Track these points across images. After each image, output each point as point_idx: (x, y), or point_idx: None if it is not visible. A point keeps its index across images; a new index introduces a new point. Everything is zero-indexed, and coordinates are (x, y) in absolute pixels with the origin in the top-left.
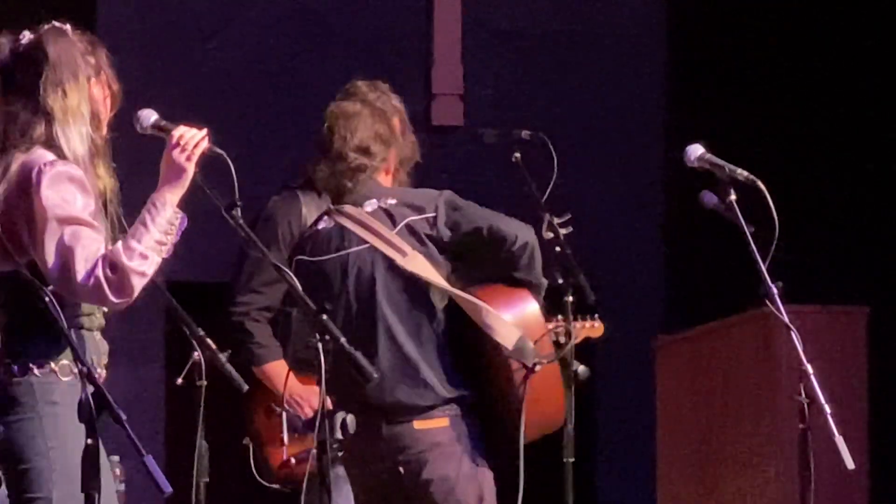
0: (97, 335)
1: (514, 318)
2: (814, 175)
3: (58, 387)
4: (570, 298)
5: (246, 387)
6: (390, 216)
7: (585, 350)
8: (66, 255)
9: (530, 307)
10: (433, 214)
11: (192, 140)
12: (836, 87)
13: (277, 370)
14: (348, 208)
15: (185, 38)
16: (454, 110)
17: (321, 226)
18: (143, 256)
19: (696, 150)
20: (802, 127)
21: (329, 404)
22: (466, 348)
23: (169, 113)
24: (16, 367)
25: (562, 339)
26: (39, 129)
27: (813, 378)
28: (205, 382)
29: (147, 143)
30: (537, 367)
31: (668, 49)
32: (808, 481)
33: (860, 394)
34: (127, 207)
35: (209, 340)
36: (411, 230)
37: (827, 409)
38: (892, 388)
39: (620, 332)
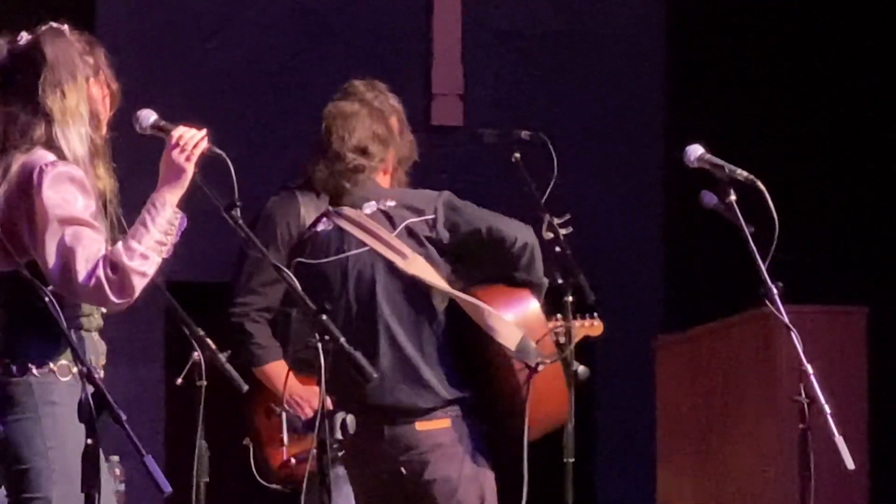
0: (95, 336)
1: (515, 318)
2: (813, 175)
3: (56, 387)
4: (570, 298)
5: (246, 387)
6: (390, 218)
7: (585, 350)
8: (67, 255)
9: (531, 307)
10: (432, 216)
11: (191, 140)
12: (835, 87)
13: (277, 371)
14: (347, 210)
15: (185, 37)
16: (454, 110)
17: (320, 228)
18: (144, 257)
19: (695, 151)
20: (802, 127)
21: (329, 404)
22: (467, 348)
23: (168, 113)
24: (15, 367)
25: (562, 340)
26: (39, 130)
27: (813, 378)
28: (205, 382)
29: (146, 144)
30: (540, 367)
31: (668, 49)
32: (808, 481)
33: (860, 394)
34: (127, 207)
35: (209, 340)
36: (411, 232)
37: (827, 409)
38: (892, 388)
39: (620, 332)
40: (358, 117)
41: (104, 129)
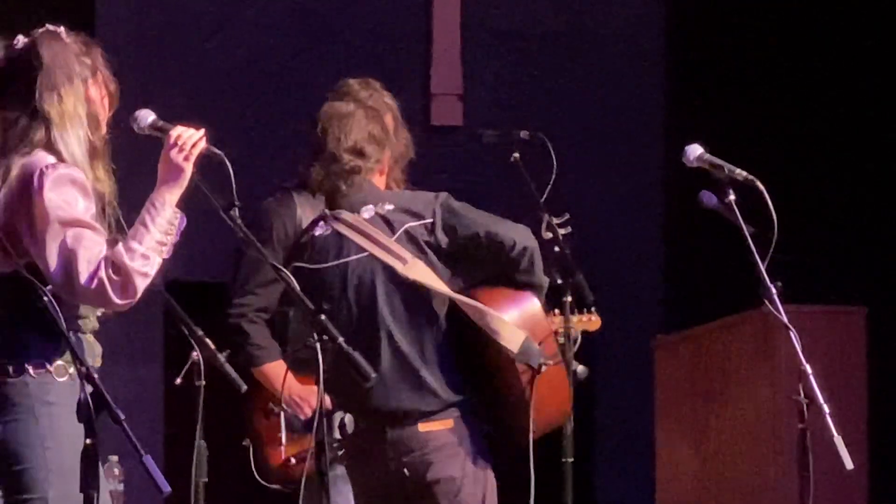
0: (91, 338)
1: (517, 319)
2: (813, 175)
3: (53, 387)
4: (569, 298)
5: (245, 387)
6: (388, 223)
7: (585, 350)
8: (68, 257)
9: (533, 307)
10: (431, 220)
11: (189, 140)
12: (835, 87)
13: (276, 371)
14: (345, 215)
15: (185, 37)
16: (453, 110)
17: (318, 232)
18: (145, 257)
19: (695, 150)
20: (801, 127)
21: (328, 403)
22: (468, 349)
23: (168, 113)
24: (11, 368)
25: (561, 339)
26: (39, 134)
27: (812, 378)
28: (203, 382)
29: (145, 144)
30: (543, 368)
31: (668, 49)
32: (808, 481)
33: (859, 394)
34: (126, 208)
35: (208, 340)
36: (410, 237)
37: (826, 408)
38: (891, 388)
39: (620, 331)
40: (353, 118)
41: (103, 130)
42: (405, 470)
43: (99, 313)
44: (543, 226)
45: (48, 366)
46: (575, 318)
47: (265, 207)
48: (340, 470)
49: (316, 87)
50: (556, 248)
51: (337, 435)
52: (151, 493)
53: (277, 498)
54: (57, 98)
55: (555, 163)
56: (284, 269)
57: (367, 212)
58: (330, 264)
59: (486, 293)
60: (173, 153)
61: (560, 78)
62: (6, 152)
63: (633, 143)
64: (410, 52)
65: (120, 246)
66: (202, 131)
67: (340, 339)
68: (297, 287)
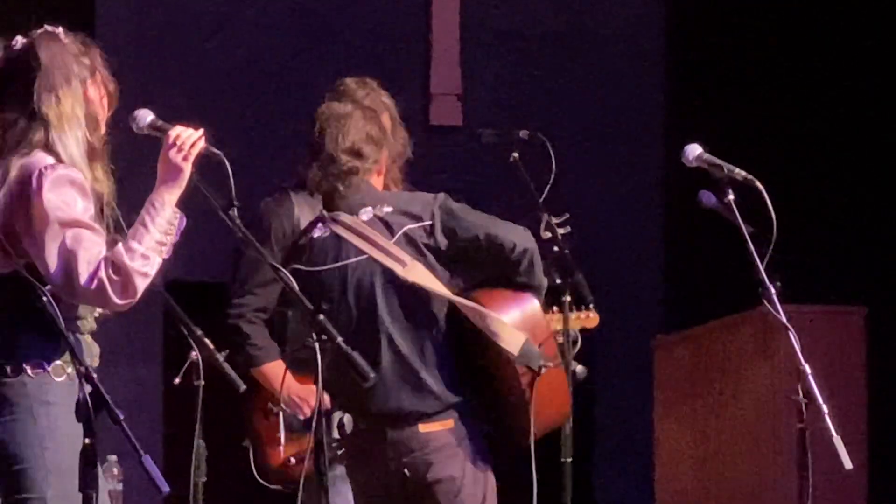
0: (88, 338)
1: (516, 320)
2: (812, 175)
3: (51, 387)
4: (568, 298)
5: (244, 386)
6: (387, 225)
7: (584, 349)
8: (68, 258)
9: (533, 309)
10: (430, 222)
11: (188, 140)
12: (835, 87)
13: (275, 371)
14: (344, 217)
15: (184, 37)
16: (453, 110)
17: (316, 234)
18: (145, 257)
19: (694, 150)
20: (801, 127)
21: (326, 400)
22: (468, 349)
23: (167, 113)
24: (9, 368)
25: (560, 339)
26: (38, 135)
27: (811, 378)
28: (202, 382)
29: (144, 144)
30: (543, 370)
31: (667, 49)
32: (807, 481)
33: (859, 393)
34: (126, 208)
35: (207, 340)
36: (409, 239)
37: (825, 408)
38: (891, 388)
39: (620, 331)
40: (351, 119)
41: (102, 130)
42: (405, 470)
43: (97, 314)
44: (543, 226)
45: (46, 366)
46: (573, 316)
47: (263, 207)
48: (340, 470)
49: (316, 87)
50: (556, 248)
51: (336, 435)
52: (151, 493)
53: (277, 498)
54: (55, 100)
55: (554, 163)
56: (283, 269)
57: (366, 214)
58: (329, 267)
59: (486, 295)
60: (172, 153)
61: (560, 78)
62: (5, 153)
63: (632, 143)
64: (410, 52)
65: (120, 246)
66: (201, 131)
67: (339, 339)
68: (296, 287)
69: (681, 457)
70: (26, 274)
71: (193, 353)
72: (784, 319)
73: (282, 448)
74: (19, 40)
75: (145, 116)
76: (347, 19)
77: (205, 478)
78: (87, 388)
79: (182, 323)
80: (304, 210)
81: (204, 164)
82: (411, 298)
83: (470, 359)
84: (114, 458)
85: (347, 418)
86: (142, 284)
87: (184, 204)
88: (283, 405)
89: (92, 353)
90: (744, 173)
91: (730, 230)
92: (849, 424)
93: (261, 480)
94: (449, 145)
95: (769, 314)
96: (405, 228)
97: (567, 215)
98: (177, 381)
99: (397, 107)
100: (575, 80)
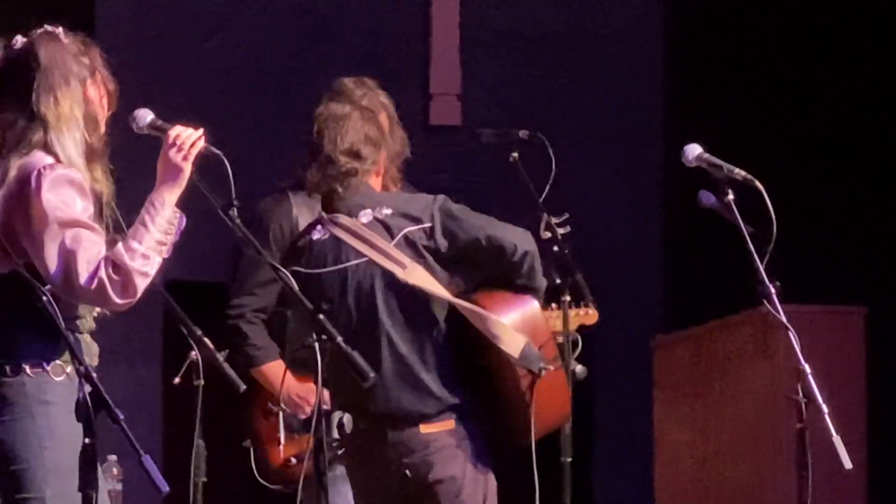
0: (88, 338)
1: (517, 322)
2: (812, 175)
3: (50, 386)
4: (568, 298)
5: (243, 386)
6: (387, 228)
7: (584, 349)
8: (68, 258)
9: (533, 311)
10: (429, 224)
11: (188, 139)
12: (835, 86)
13: (275, 371)
14: (343, 219)
15: (184, 37)
16: (452, 110)
17: (315, 236)
18: (145, 257)
19: (694, 150)
20: (800, 127)
21: (326, 397)
22: (468, 350)
23: (167, 113)
24: (8, 368)
25: (559, 339)
26: (37, 135)
27: (811, 377)
28: (202, 382)
29: (144, 143)
30: (543, 373)
31: (667, 49)
32: (806, 481)
33: (858, 393)
34: (125, 208)
35: (207, 340)
36: (409, 242)
37: (824, 408)
38: (890, 388)
39: (619, 331)
40: (349, 120)
41: (102, 130)
42: (406, 471)
43: (96, 313)
44: (542, 225)
45: (45, 365)
46: (572, 313)
47: (261, 208)
48: (340, 470)
49: (316, 87)
50: (555, 248)
51: (336, 434)
52: (150, 493)
53: (276, 498)
54: (53, 100)
55: (554, 163)
56: (283, 269)
57: (366, 216)
58: (328, 269)
59: (486, 297)
60: (172, 153)
61: (559, 78)
62: (5, 153)
63: (632, 143)
64: (410, 52)
65: (120, 246)
66: (201, 131)
67: (339, 339)
68: (296, 286)
69: (681, 457)
70: (26, 274)
71: (193, 353)
72: (784, 319)
73: (281, 448)
74: (19, 40)
75: (145, 116)
76: (347, 19)
77: (204, 478)
78: (87, 388)
79: (182, 323)
80: (302, 211)
81: (204, 163)
82: (411, 301)
83: (470, 359)
84: (113, 457)
85: (347, 418)
86: (142, 284)
87: (184, 204)
88: (282, 405)
89: (91, 352)
90: (743, 173)
91: (729, 230)
92: (848, 424)
93: (261, 481)
94: (448, 145)
95: (769, 314)
96: (405, 231)
97: (567, 215)
98: (176, 380)
99: (397, 107)
100: (575, 80)
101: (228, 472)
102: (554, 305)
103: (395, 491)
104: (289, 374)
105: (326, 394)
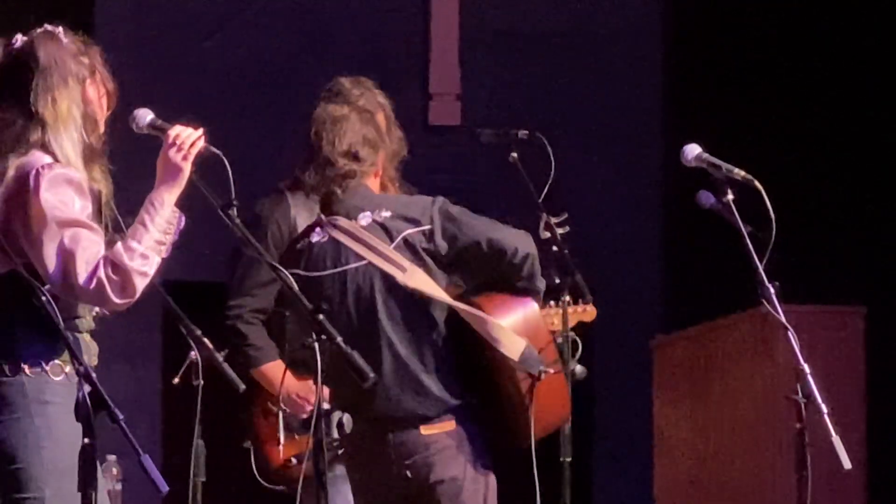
0: (87, 337)
1: (517, 324)
2: (811, 175)
3: (49, 386)
4: (567, 298)
5: (243, 386)
6: (386, 230)
7: (583, 349)
8: (66, 258)
9: (533, 312)
10: (429, 227)
11: (188, 139)
12: (834, 86)
13: (274, 371)
14: (343, 222)
15: (183, 37)
16: (451, 110)
17: (315, 239)
18: (144, 256)
19: (693, 150)
20: (800, 127)
21: (325, 394)
22: (468, 352)
23: (166, 112)
24: (7, 367)
25: (559, 339)
26: (35, 135)
27: (810, 377)
28: (202, 382)
29: (144, 143)
30: (543, 376)
31: (665, 48)
32: (806, 481)
33: (858, 393)
34: (124, 207)
35: (206, 340)
36: (408, 244)
37: (824, 408)
38: (890, 388)
39: (619, 331)
40: (347, 121)
41: (101, 130)
42: (407, 472)
43: (95, 313)
44: (542, 225)
45: (44, 365)
46: (570, 310)
47: (259, 209)
48: (340, 470)
49: (315, 87)
50: (555, 248)
51: (335, 434)
52: (150, 493)
53: (276, 498)
54: (51, 100)
55: (553, 162)
56: (282, 269)
57: (365, 219)
58: (328, 272)
59: (486, 299)
60: (172, 152)
61: (559, 78)
62: (4, 152)
63: (631, 143)
64: (409, 51)
65: (119, 245)
66: (201, 130)
67: (339, 339)
68: (296, 286)
69: (680, 457)
70: (25, 273)
71: (193, 353)
72: (783, 319)
73: (281, 448)
74: (19, 39)
75: (145, 116)
76: (347, 19)
77: (204, 477)
78: (87, 388)
79: (181, 322)
80: (300, 211)
81: (203, 163)
82: (411, 303)
83: (470, 360)
84: (113, 457)
85: (347, 418)
86: (141, 284)
87: (184, 204)
88: (282, 405)
89: (91, 352)
90: (742, 173)
91: (729, 230)
92: (848, 424)
93: (262, 481)
94: (448, 145)
95: (768, 314)
96: (404, 233)
97: (566, 215)
98: (176, 380)
99: (396, 107)
100: (574, 80)
101: (228, 472)
102: (552, 303)
103: (396, 491)
104: (289, 373)
105: (327, 392)
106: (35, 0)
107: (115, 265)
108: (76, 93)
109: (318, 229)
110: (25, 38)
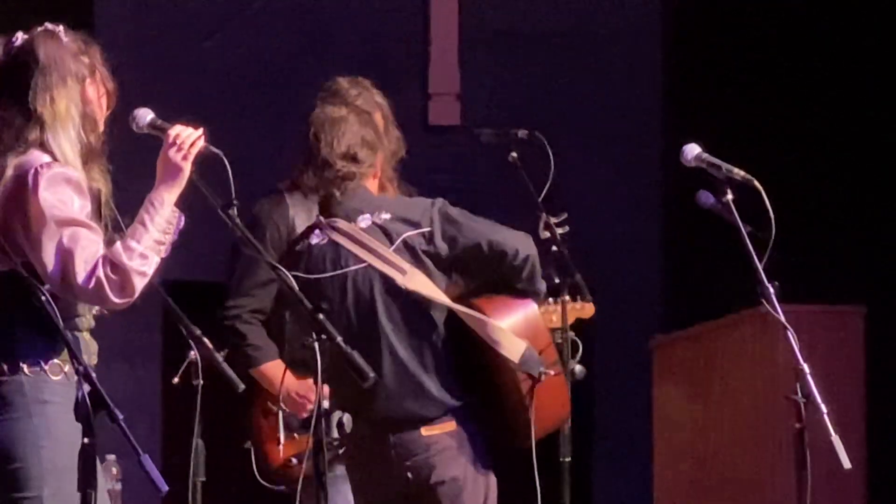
0: (87, 336)
1: (517, 326)
2: (811, 174)
3: (48, 385)
4: (567, 298)
5: (242, 386)
6: (386, 233)
7: (584, 349)
8: (65, 257)
9: (534, 314)
10: (429, 229)
11: (188, 139)
12: (834, 86)
13: (274, 371)
14: (342, 224)
15: (183, 37)
16: (451, 110)
17: (314, 241)
18: (144, 256)
19: (692, 150)
20: (799, 126)
21: (326, 392)
22: (469, 350)
23: (166, 112)
24: (6, 366)
25: (558, 339)
26: (34, 134)
27: (810, 377)
28: (201, 382)
29: (144, 143)
30: (543, 377)
31: (666, 49)
32: (805, 481)
33: (857, 393)
34: (124, 207)
35: (206, 340)
36: (408, 246)
37: (823, 408)
38: (890, 388)
39: (618, 331)
40: (346, 122)
41: (101, 129)
42: (408, 473)
43: (95, 311)
44: (541, 225)
45: (43, 364)
46: (568, 307)
47: (257, 209)
48: (340, 469)
49: (315, 87)
50: (554, 248)
51: (335, 434)
52: (149, 493)
53: (276, 498)
54: (49, 99)
55: (553, 162)
56: (282, 269)
57: (364, 221)
58: (328, 274)
59: (486, 301)
60: (172, 152)
61: (558, 77)
62: (2, 151)
63: (631, 143)
64: (409, 52)
65: (118, 245)
66: (201, 130)
67: (339, 339)
68: (295, 285)
69: (680, 457)
70: (24, 273)
71: (192, 353)
72: (783, 319)
73: (281, 448)
74: (19, 37)
75: (145, 116)
76: (346, 19)
77: (203, 477)
78: (86, 388)
79: (181, 322)
80: (298, 212)
81: (203, 163)
82: (411, 306)
83: (470, 361)
84: (112, 457)
85: (347, 417)
86: (140, 283)
87: (184, 204)
88: (282, 404)
89: (90, 350)
90: (742, 173)
91: (728, 230)
92: (848, 424)
93: (263, 481)
94: (447, 145)
95: (768, 314)
96: (404, 236)
97: (566, 215)
98: (176, 380)
99: (396, 107)
100: (574, 80)
101: (227, 471)
102: (550, 300)
103: (396, 491)
104: (288, 373)
105: (326, 390)
106: (34, 0)
107: (114, 264)
108: (75, 92)
109: (317, 231)
110: (26, 37)
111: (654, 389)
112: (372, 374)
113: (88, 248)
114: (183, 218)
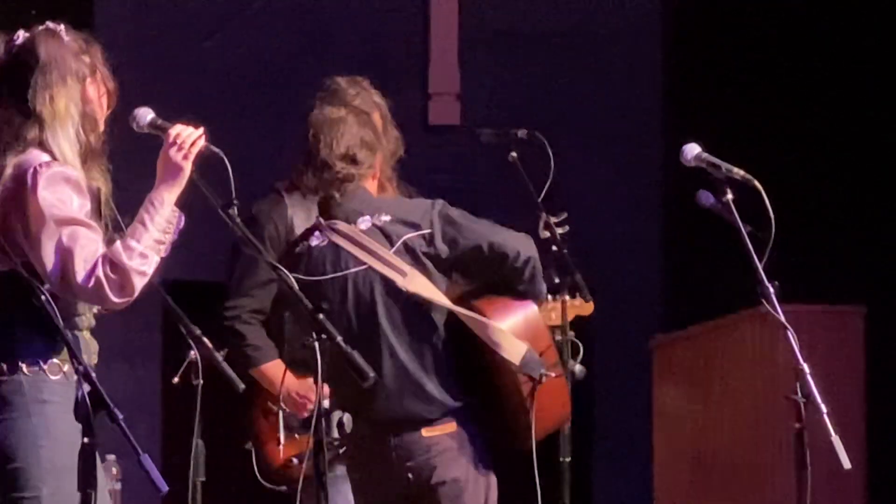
0: (87, 335)
1: (518, 327)
2: (811, 174)
3: (47, 385)
4: (567, 297)
5: (243, 386)
6: (386, 235)
7: (584, 349)
8: (65, 256)
9: (534, 316)
10: (429, 230)
11: (188, 139)
12: (834, 86)
13: (274, 370)
14: (342, 226)
15: (183, 37)
16: (451, 110)
17: (314, 242)
18: (143, 256)
19: (692, 150)
20: (799, 126)
21: (326, 392)
22: (470, 350)
23: (166, 112)
24: (6, 366)
25: (557, 337)
26: (33, 132)
27: (810, 377)
28: (201, 381)
29: (144, 142)
30: (543, 379)
31: (666, 49)
32: (805, 481)
33: (857, 393)
34: (124, 206)
35: (206, 339)
36: (408, 248)
37: (823, 408)
38: (890, 388)
39: (619, 331)
40: (345, 123)
41: (101, 128)
42: (409, 474)
43: (96, 310)
44: (541, 225)
45: (42, 364)
46: (567, 304)
47: (256, 210)
48: (341, 469)
49: (315, 87)
50: (554, 248)
51: (336, 434)
52: (149, 493)
53: (276, 498)
54: (49, 98)
55: (552, 162)
56: (282, 268)
57: (364, 223)
58: (328, 277)
59: (487, 303)
60: (172, 152)
61: (558, 77)
62: (2, 150)
63: (631, 143)
64: (409, 51)
65: (118, 244)
66: (201, 130)
67: (339, 338)
68: (295, 285)
69: (680, 457)
70: (24, 272)
71: (192, 353)
72: (783, 319)
73: (281, 448)
74: (21, 35)
75: (145, 115)
76: (347, 19)
77: (203, 477)
78: (86, 387)
79: (181, 322)
80: (297, 212)
81: (204, 163)
82: (411, 308)
83: (471, 362)
84: (112, 457)
85: (347, 417)
86: (139, 283)
87: (184, 203)
88: (282, 404)
89: (90, 350)
90: (742, 173)
91: (728, 230)
92: (848, 424)
93: (263, 482)
94: (447, 145)
95: (768, 314)
96: (404, 238)
97: (565, 215)
98: (175, 380)
99: (395, 106)
100: (574, 80)
101: (227, 471)
102: (549, 297)
103: (397, 492)
104: (289, 373)
105: (327, 390)
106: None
107: (113, 264)
108: (75, 91)
109: (317, 233)
110: (27, 36)
111: (654, 389)
112: (372, 374)
113: (88, 247)
114: (183, 217)
